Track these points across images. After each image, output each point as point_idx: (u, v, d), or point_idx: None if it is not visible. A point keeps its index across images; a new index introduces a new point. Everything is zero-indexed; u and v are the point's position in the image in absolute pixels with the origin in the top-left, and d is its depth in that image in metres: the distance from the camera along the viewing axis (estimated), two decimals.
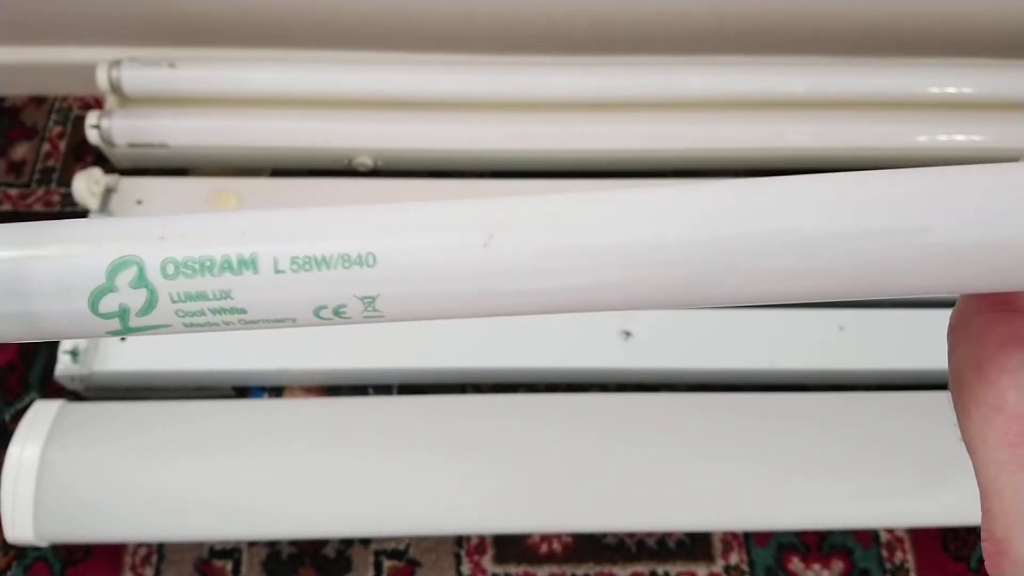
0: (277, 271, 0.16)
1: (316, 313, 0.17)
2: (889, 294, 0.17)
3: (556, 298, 0.17)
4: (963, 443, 0.17)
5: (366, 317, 0.17)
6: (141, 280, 0.16)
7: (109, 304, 0.16)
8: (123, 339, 0.63)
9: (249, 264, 0.16)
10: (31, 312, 0.16)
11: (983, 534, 0.16)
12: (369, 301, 0.17)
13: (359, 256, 0.16)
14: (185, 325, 0.17)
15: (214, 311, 0.17)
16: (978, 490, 0.17)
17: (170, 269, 0.16)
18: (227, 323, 0.17)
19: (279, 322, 0.17)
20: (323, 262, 0.16)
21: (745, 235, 0.16)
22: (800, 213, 0.16)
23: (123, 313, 0.16)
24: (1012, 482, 0.16)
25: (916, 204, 0.16)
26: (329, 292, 0.17)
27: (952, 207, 0.16)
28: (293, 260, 0.16)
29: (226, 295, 0.16)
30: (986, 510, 0.16)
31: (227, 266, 0.16)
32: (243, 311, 0.17)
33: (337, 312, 0.17)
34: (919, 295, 0.17)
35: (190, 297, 0.16)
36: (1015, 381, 0.16)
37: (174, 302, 0.16)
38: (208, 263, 0.16)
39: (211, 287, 0.16)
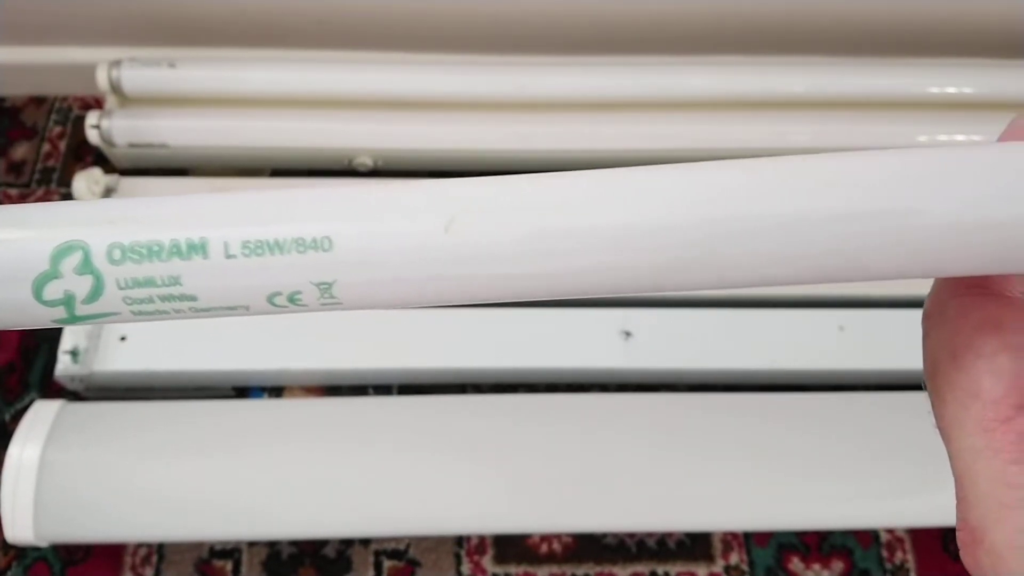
0: (228, 256, 0.16)
1: (270, 300, 0.16)
2: (876, 277, 0.16)
3: (523, 284, 0.16)
4: (938, 431, 0.17)
5: (323, 304, 0.16)
6: (87, 266, 0.15)
7: (54, 291, 0.16)
8: (123, 339, 0.63)
9: (199, 249, 0.15)
10: None
11: (958, 523, 0.16)
12: (325, 287, 0.16)
13: (314, 240, 0.16)
14: (134, 313, 0.16)
15: (163, 298, 0.16)
16: (953, 478, 0.16)
17: (116, 254, 0.15)
18: (178, 311, 0.16)
19: (232, 309, 0.16)
20: (276, 246, 0.16)
21: (729, 218, 0.15)
22: (785, 195, 0.15)
23: (68, 301, 0.16)
24: (987, 469, 0.15)
25: (903, 185, 0.15)
26: (283, 278, 0.16)
27: (936, 187, 0.15)
28: (245, 244, 0.16)
29: (175, 281, 0.16)
30: (961, 498, 0.16)
31: (176, 251, 0.15)
32: (193, 298, 0.16)
33: (292, 299, 0.16)
34: (906, 277, 0.16)
35: (138, 283, 0.16)
36: (990, 366, 0.16)
37: (121, 288, 0.16)
38: (156, 248, 0.15)
39: (159, 273, 0.16)
